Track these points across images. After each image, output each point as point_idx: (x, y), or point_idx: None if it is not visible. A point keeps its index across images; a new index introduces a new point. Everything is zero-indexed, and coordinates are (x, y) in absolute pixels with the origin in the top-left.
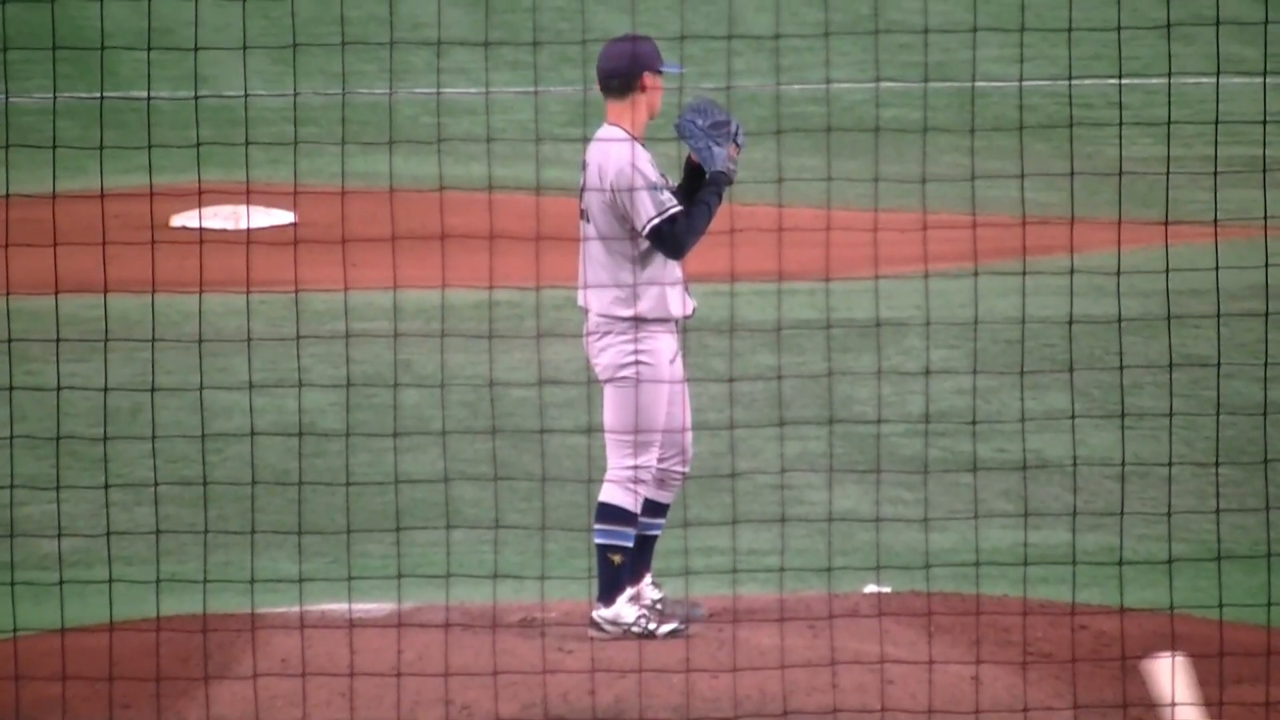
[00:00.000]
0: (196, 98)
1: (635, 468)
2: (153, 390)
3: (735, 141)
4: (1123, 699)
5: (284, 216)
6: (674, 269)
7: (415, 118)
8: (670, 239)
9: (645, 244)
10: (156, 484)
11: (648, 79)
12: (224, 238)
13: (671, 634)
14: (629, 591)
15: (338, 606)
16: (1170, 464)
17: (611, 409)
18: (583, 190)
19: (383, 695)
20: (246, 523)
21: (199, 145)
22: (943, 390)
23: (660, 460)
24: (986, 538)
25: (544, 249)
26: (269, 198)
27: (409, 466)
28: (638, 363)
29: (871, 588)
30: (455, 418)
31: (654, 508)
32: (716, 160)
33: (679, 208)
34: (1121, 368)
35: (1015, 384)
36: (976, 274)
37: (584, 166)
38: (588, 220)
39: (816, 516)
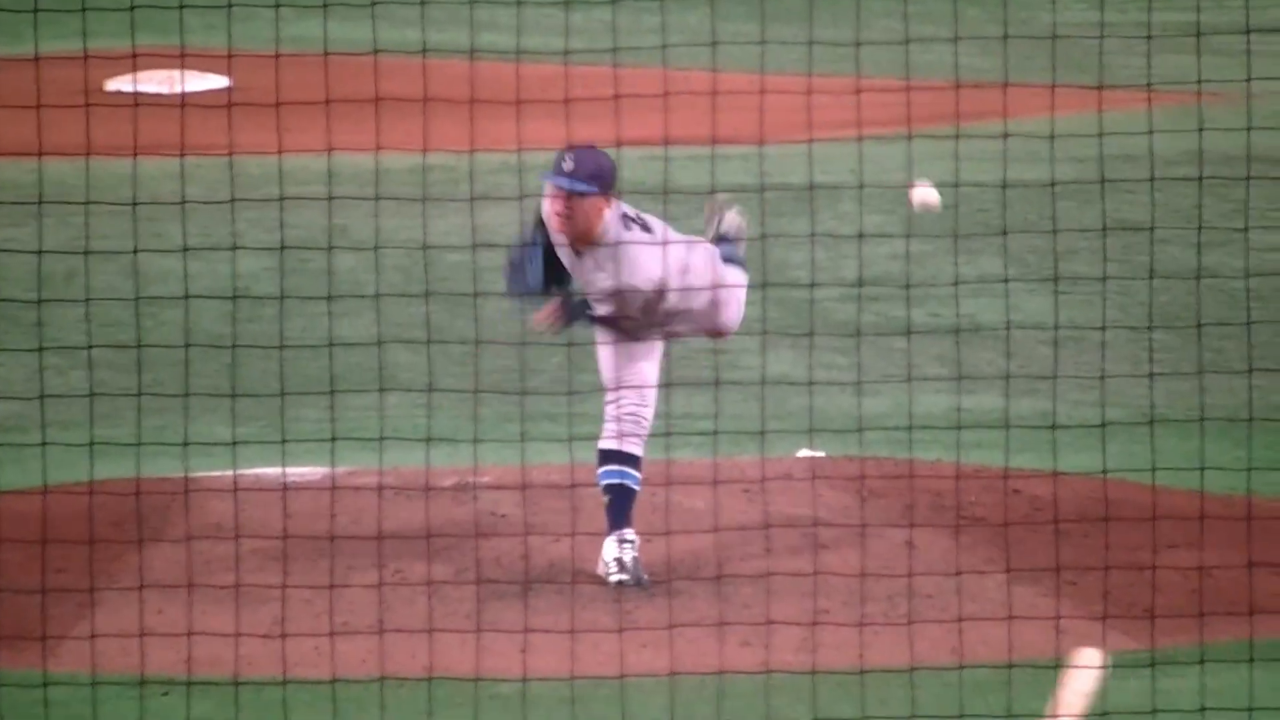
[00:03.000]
0: None
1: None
2: (87, 254)
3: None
4: (1056, 563)
5: (219, 81)
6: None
7: None
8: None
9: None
10: (91, 348)
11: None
12: (159, 101)
13: (618, 583)
14: (616, 534)
15: (271, 470)
16: (1104, 329)
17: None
18: None
19: (316, 559)
20: (181, 387)
21: (133, 9)
22: (877, 255)
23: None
24: (920, 403)
25: (477, 113)
26: (204, 62)
27: (343, 331)
28: None
29: (805, 452)
30: (389, 282)
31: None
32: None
33: (530, 245)
34: (1055, 232)
35: (949, 249)
36: (910, 138)
37: None
38: None
39: (750, 381)
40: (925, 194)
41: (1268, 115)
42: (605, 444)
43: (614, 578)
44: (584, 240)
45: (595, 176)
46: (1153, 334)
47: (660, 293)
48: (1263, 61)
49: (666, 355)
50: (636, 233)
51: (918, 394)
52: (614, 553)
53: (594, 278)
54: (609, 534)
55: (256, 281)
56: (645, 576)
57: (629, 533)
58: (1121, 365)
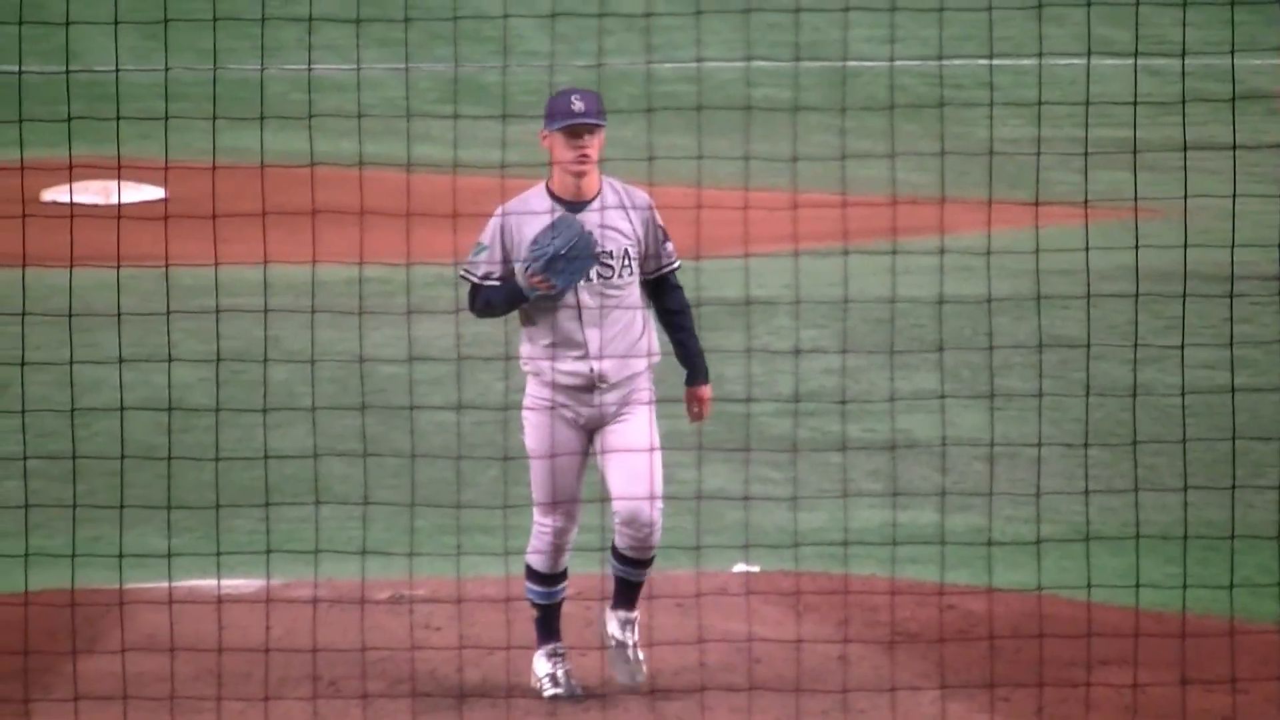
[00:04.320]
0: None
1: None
2: (22, 364)
3: (540, 270)
4: (990, 679)
5: (154, 192)
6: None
7: (286, 94)
8: (468, 296)
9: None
10: (26, 458)
11: (545, 137)
12: (94, 212)
13: (553, 696)
14: (547, 647)
15: (206, 582)
16: (1039, 445)
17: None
18: None
19: (250, 671)
20: (115, 497)
21: (70, 120)
22: (812, 370)
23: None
24: (855, 517)
25: (414, 225)
26: (139, 173)
27: (278, 442)
28: (524, 417)
29: (740, 567)
30: (324, 394)
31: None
32: (519, 278)
33: (478, 281)
34: (991, 348)
35: (884, 364)
36: (846, 253)
37: None
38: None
39: (685, 495)
40: None
41: (1203, 231)
42: (536, 561)
43: (548, 692)
44: (587, 189)
45: (602, 110)
46: (1088, 450)
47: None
48: (1198, 178)
49: (598, 469)
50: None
51: (853, 509)
52: (546, 668)
53: (600, 233)
54: (539, 648)
55: (191, 392)
56: (579, 689)
57: (560, 646)
58: (1056, 481)
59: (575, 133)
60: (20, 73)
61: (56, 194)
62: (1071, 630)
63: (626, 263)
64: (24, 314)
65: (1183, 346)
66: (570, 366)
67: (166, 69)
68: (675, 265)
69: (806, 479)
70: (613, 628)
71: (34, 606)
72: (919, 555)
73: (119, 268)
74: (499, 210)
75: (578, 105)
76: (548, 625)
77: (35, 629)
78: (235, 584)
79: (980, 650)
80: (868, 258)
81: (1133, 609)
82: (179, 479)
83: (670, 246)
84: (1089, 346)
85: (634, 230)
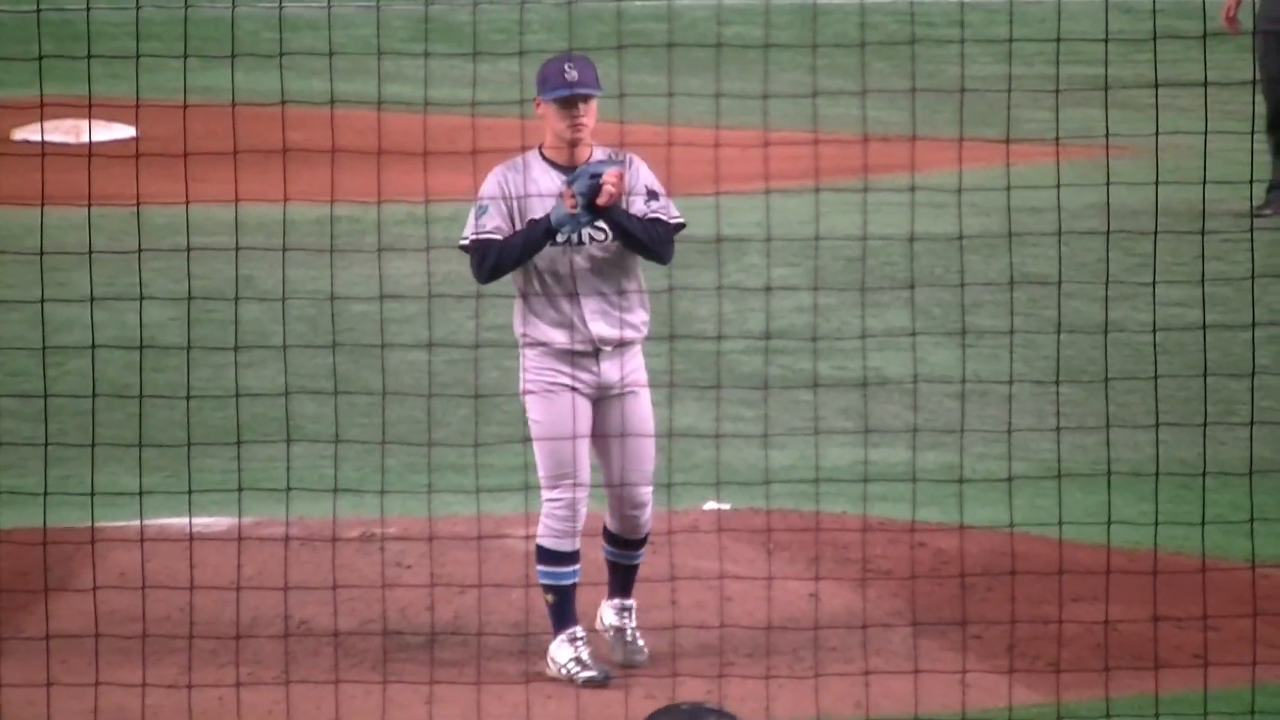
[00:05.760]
0: (39, 11)
1: (544, 502)
2: None
3: (575, 189)
4: (961, 616)
5: (125, 131)
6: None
7: (257, 33)
8: (473, 263)
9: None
10: None
11: (539, 104)
12: (65, 151)
13: (590, 681)
14: (568, 632)
15: (177, 521)
16: (1010, 382)
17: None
18: None
19: (222, 610)
20: (86, 436)
21: (40, 59)
22: (783, 308)
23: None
24: (826, 455)
25: (385, 164)
26: (110, 112)
27: (249, 381)
28: (527, 392)
29: (711, 504)
30: (295, 332)
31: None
32: (554, 210)
33: (490, 235)
34: (962, 286)
35: (855, 301)
36: (818, 191)
37: None
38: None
39: (657, 433)
40: None
41: (1174, 169)
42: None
43: (582, 676)
44: (580, 156)
45: (596, 79)
46: (1059, 388)
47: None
48: (1170, 115)
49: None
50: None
51: (824, 447)
52: (569, 653)
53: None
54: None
55: (162, 331)
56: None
57: (579, 630)
58: (1028, 419)
59: (569, 102)
60: None
61: (27, 133)
62: (1043, 568)
63: None
64: None
65: (1154, 284)
66: (569, 333)
67: (138, 7)
68: (662, 217)
69: (778, 417)
70: (609, 617)
71: (5, 545)
72: (890, 493)
73: (90, 206)
74: (495, 170)
75: (571, 74)
76: (563, 609)
77: (6, 568)
78: (206, 522)
79: (952, 588)
80: (839, 196)
81: (1104, 546)
82: (150, 418)
83: (658, 204)
84: (1060, 284)
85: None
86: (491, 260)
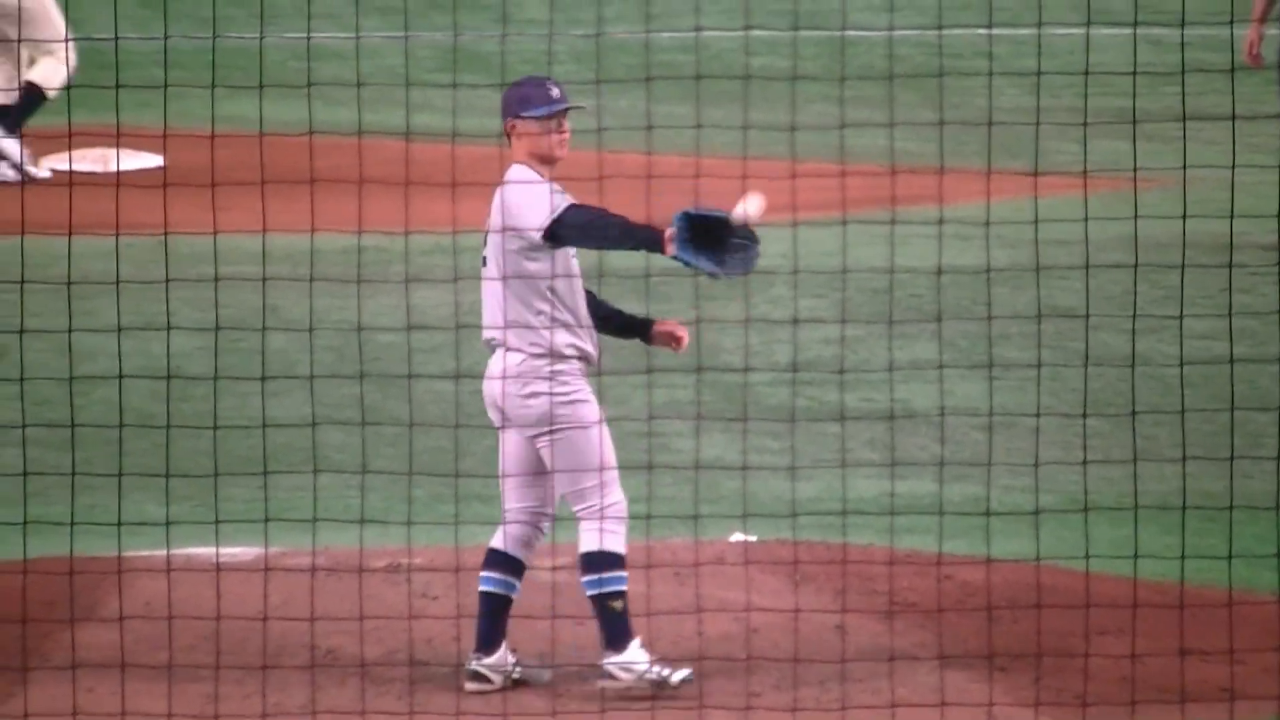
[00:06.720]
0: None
1: (603, 508)
2: (21, 332)
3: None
4: (988, 649)
5: (153, 160)
6: (583, 311)
7: (284, 63)
8: (569, 228)
9: (560, 282)
10: (24, 425)
11: (516, 124)
12: (93, 180)
13: (685, 680)
14: (639, 638)
15: (204, 550)
16: (1037, 415)
17: (562, 460)
18: (486, 236)
19: (248, 639)
20: (113, 465)
21: (69, 88)
22: (810, 339)
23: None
24: (853, 487)
25: (412, 194)
26: (138, 141)
27: (275, 411)
28: (573, 402)
29: (738, 536)
30: (322, 362)
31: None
32: (677, 239)
33: (568, 202)
34: (990, 318)
35: (882, 333)
36: (845, 223)
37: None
38: (486, 265)
39: (683, 464)
40: (751, 203)
41: (1201, 201)
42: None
43: (676, 677)
44: (557, 171)
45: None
46: (1086, 421)
47: None
48: (1196, 148)
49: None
50: None
51: (851, 479)
52: (646, 656)
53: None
54: (630, 640)
55: (189, 361)
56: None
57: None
58: (1054, 451)
59: (560, 117)
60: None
61: (55, 162)
62: (1069, 600)
63: None
64: (22, 281)
65: (1181, 317)
66: (592, 341)
67: (165, 37)
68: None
69: (804, 448)
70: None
71: (32, 575)
72: (917, 525)
73: (117, 235)
74: (540, 179)
75: (555, 91)
76: (628, 614)
77: (33, 597)
78: (233, 552)
79: (978, 620)
80: (866, 227)
81: (1130, 579)
82: (177, 447)
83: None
84: (1088, 316)
85: None
86: (598, 220)
